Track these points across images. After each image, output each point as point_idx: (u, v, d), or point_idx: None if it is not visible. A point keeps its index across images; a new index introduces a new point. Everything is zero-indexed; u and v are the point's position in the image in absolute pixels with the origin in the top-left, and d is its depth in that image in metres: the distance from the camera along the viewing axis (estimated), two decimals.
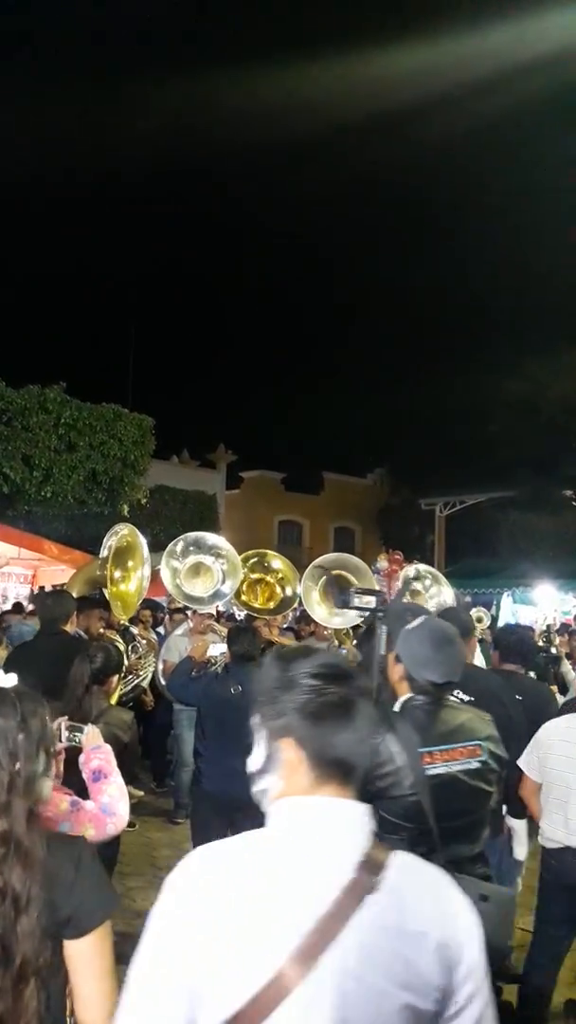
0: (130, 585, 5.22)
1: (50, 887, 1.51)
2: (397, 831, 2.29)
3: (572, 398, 20.71)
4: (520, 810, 3.59)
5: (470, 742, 2.43)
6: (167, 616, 8.41)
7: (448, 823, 2.30)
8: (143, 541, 5.39)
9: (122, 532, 5.18)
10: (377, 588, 4.88)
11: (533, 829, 3.61)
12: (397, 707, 2.50)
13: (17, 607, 9.62)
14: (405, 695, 2.49)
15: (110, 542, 5.10)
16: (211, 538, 4.94)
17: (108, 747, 2.71)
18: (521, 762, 3.45)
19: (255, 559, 5.05)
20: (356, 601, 3.79)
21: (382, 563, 6.51)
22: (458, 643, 2.53)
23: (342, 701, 1.32)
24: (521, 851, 3.62)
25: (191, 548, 4.92)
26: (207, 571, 4.87)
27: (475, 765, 2.41)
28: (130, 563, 5.26)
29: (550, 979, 3.41)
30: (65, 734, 2.62)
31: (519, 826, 3.60)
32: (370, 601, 3.56)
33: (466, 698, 3.45)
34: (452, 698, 2.55)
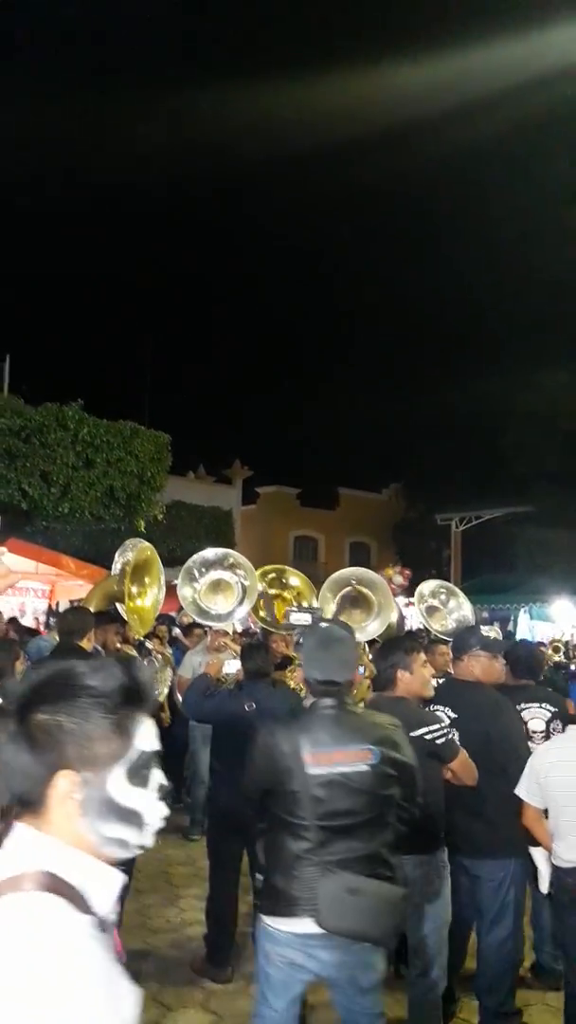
0: (147, 600, 5.26)
1: None
2: (286, 826, 2.51)
3: None
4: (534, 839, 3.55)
5: (361, 746, 2.54)
6: (180, 632, 8.43)
7: (334, 821, 2.47)
8: (158, 557, 5.44)
9: (139, 547, 5.21)
10: (315, 606, 4.94)
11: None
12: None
13: (31, 631, 9.66)
14: (310, 700, 2.69)
15: (123, 557, 5.14)
16: (219, 552, 4.97)
17: None
18: (519, 791, 3.43)
19: (273, 575, 5.06)
20: (293, 618, 3.85)
21: (397, 579, 6.50)
22: (346, 646, 2.67)
23: None
24: (544, 883, 3.56)
25: (203, 568, 4.95)
26: (227, 587, 4.89)
27: (363, 768, 2.52)
28: (147, 579, 5.30)
29: None
30: None
31: (539, 856, 3.54)
32: (305, 618, 3.66)
33: (452, 715, 3.55)
34: (337, 700, 2.63)
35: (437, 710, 3.61)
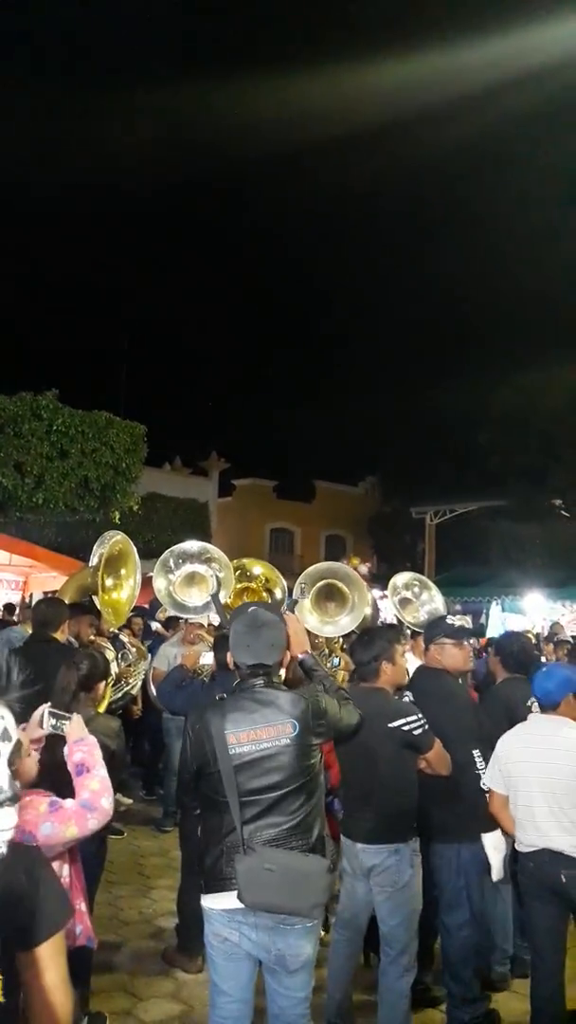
0: (122, 593, 5.23)
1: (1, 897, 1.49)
2: (214, 805, 2.60)
3: (561, 409, 20.83)
4: (482, 824, 3.58)
5: (280, 720, 2.61)
6: (160, 626, 8.41)
7: (258, 796, 2.56)
8: (135, 550, 5.40)
9: (115, 539, 5.19)
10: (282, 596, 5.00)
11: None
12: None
13: (8, 608, 9.63)
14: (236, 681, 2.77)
15: (101, 550, 5.11)
16: (196, 545, 4.95)
17: (92, 739, 2.72)
18: (486, 779, 3.52)
19: (237, 570, 5.07)
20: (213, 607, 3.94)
21: (362, 568, 6.55)
22: (274, 629, 2.71)
23: None
24: (495, 871, 3.61)
25: (181, 560, 4.93)
26: (202, 580, 4.88)
27: (285, 742, 2.59)
28: (122, 571, 5.27)
29: (557, 989, 3.40)
30: (50, 721, 2.60)
31: (487, 842, 3.58)
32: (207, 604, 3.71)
33: (409, 698, 3.65)
34: (264, 680, 2.69)
35: (404, 697, 3.69)
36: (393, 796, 3.35)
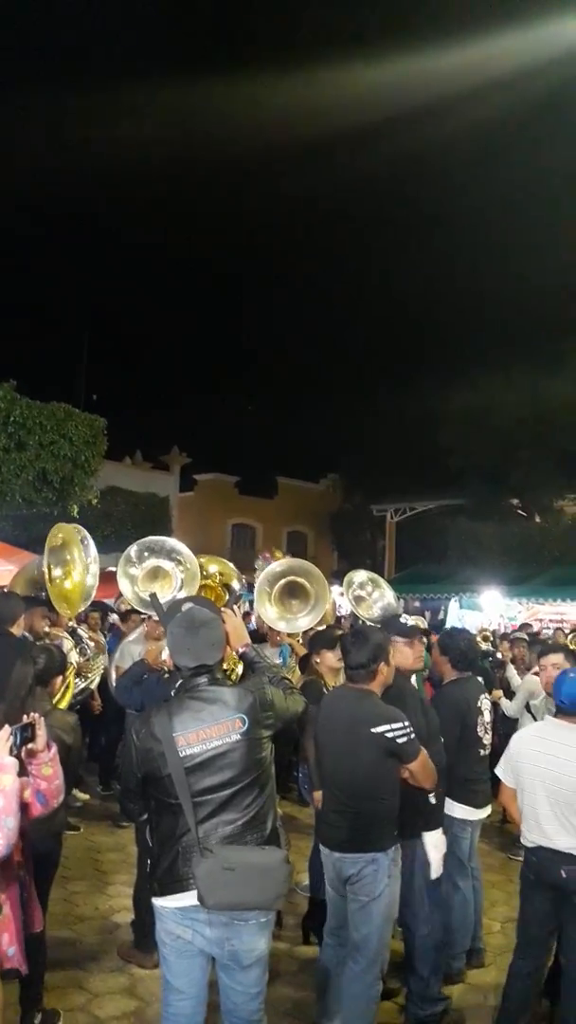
0: (71, 582, 5.15)
1: None
2: (166, 808, 2.58)
3: (520, 410, 21.15)
4: (432, 821, 3.64)
5: (228, 717, 2.60)
6: (119, 619, 8.34)
7: (211, 795, 2.54)
8: (81, 536, 5.30)
9: (57, 529, 5.12)
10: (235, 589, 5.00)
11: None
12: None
13: None
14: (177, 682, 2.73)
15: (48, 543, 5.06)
16: (169, 542, 4.90)
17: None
18: (498, 770, 3.59)
19: None
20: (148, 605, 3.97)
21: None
22: (212, 627, 2.69)
23: None
24: (434, 870, 3.65)
25: (146, 553, 4.87)
26: (165, 575, 4.82)
27: (236, 737, 2.59)
28: (68, 559, 5.18)
29: (533, 977, 3.48)
30: (15, 740, 2.49)
31: (427, 841, 3.62)
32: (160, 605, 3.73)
33: None
34: (208, 679, 2.67)
35: None
36: (372, 804, 3.26)
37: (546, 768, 3.34)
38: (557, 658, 4.63)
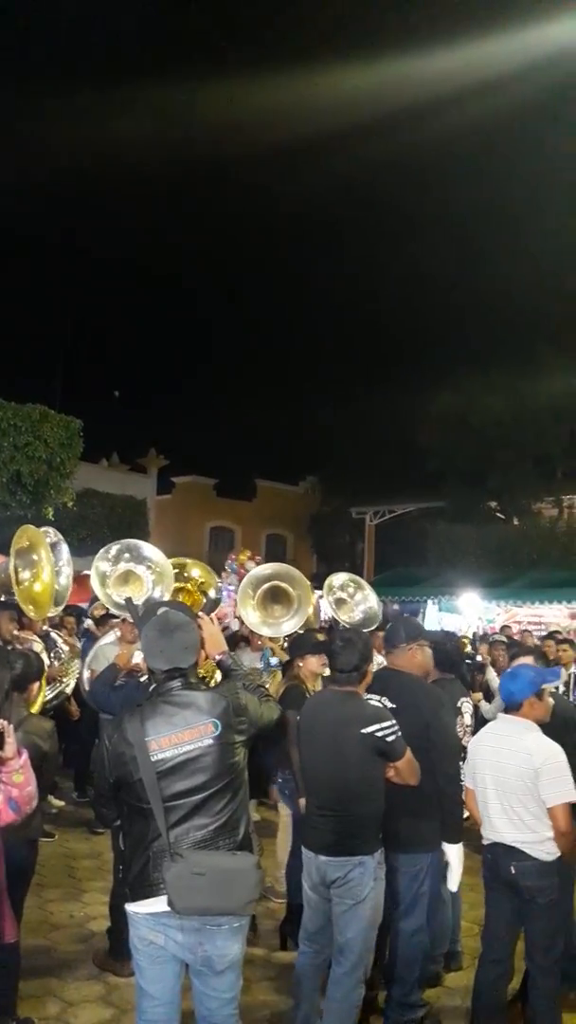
0: (39, 584, 5.08)
1: None
2: (138, 812, 2.56)
3: (499, 413, 21.29)
4: (452, 835, 3.64)
5: (201, 721, 2.59)
6: (93, 623, 8.26)
7: (182, 800, 2.53)
8: (48, 538, 5.23)
9: (22, 531, 5.06)
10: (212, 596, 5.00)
11: None
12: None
13: None
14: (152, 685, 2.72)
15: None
16: (147, 549, 4.85)
17: None
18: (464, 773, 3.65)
19: (176, 569, 5.01)
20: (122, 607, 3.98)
21: (249, 565, 6.53)
22: (187, 630, 2.68)
23: None
24: (453, 881, 3.70)
25: (125, 555, 4.83)
26: (137, 580, 4.77)
27: (208, 741, 2.58)
28: (36, 560, 5.11)
29: (499, 978, 3.51)
30: None
31: (452, 852, 3.64)
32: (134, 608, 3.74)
33: (391, 705, 3.54)
34: (181, 683, 2.66)
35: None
36: (360, 805, 3.26)
37: (492, 761, 3.43)
38: (527, 660, 4.68)
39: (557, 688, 6.14)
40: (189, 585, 4.88)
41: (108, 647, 6.22)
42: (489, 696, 6.95)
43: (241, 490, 27.64)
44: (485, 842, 3.50)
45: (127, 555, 4.78)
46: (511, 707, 3.51)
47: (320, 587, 6.20)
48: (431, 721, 3.56)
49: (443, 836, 3.63)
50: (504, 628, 12.48)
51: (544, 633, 10.97)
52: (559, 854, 3.32)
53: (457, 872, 3.67)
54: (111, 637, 6.30)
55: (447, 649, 4.45)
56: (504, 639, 9.38)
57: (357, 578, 6.05)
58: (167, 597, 4.75)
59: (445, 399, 22.16)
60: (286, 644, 6.06)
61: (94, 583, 4.57)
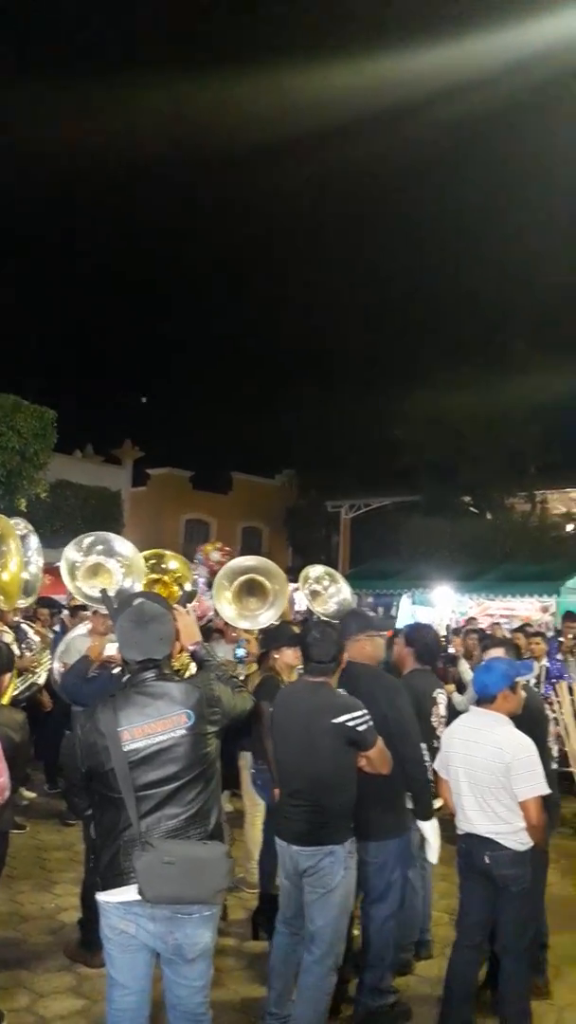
0: (6, 575, 5.02)
1: None
2: (110, 802, 2.56)
3: (473, 409, 21.45)
4: (424, 813, 3.73)
5: (174, 711, 2.60)
6: (68, 614, 8.20)
7: (154, 790, 2.54)
8: (17, 528, 5.16)
9: None
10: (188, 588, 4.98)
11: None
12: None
13: None
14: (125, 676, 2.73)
15: None
16: (121, 544, 4.81)
17: None
18: (435, 764, 3.68)
19: (153, 560, 4.98)
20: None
21: (215, 555, 6.52)
22: (162, 622, 2.69)
23: None
24: (433, 854, 3.80)
25: (98, 547, 4.79)
26: (106, 573, 4.73)
27: (181, 732, 2.59)
28: (4, 550, 5.05)
29: (472, 965, 3.55)
30: None
31: (427, 828, 3.75)
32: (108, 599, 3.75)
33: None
34: (155, 674, 2.66)
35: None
36: (332, 795, 3.29)
37: (465, 754, 3.46)
38: (499, 652, 4.73)
39: (528, 681, 6.21)
40: (166, 577, 4.86)
41: (79, 639, 6.18)
42: (461, 688, 7.01)
43: (217, 483, 27.56)
44: (459, 832, 3.54)
45: (100, 547, 4.75)
46: (484, 699, 3.54)
47: (296, 580, 6.21)
48: (387, 711, 3.59)
49: (416, 815, 3.71)
50: (470, 620, 12.59)
51: (515, 626, 11.08)
52: (532, 844, 3.38)
53: (435, 846, 3.74)
54: (82, 629, 6.26)
55: (426, 641, 4.46)
56: (476, 631, 9.46)
57: (332, 571, 6.07)
58: (140, 580, 4.73)
59: (420, 395, 22.26)
60: (260, 636, 6.07)
61: (63, 572, 4.53)
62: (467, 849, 3.48)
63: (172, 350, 37.72)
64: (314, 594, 5.80)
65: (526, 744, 3.40)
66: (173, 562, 5.09)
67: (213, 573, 5.80)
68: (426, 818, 3.73)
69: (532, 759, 3.36)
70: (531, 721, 3.73)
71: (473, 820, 3.42)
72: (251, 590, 5.52)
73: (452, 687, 7.02)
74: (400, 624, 12.73)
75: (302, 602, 6.96)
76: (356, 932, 4.19)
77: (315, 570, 6.00)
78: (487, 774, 3.36)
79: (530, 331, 21.66)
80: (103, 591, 4.04)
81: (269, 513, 28.17)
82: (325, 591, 5.85)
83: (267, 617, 5.39)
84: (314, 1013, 3.30)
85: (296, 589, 7.72)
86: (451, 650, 8.62)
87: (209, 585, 6.34)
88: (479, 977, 3.68)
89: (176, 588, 5.02)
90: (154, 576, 5.05)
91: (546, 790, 3.37)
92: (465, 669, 7.44)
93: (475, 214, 22.35)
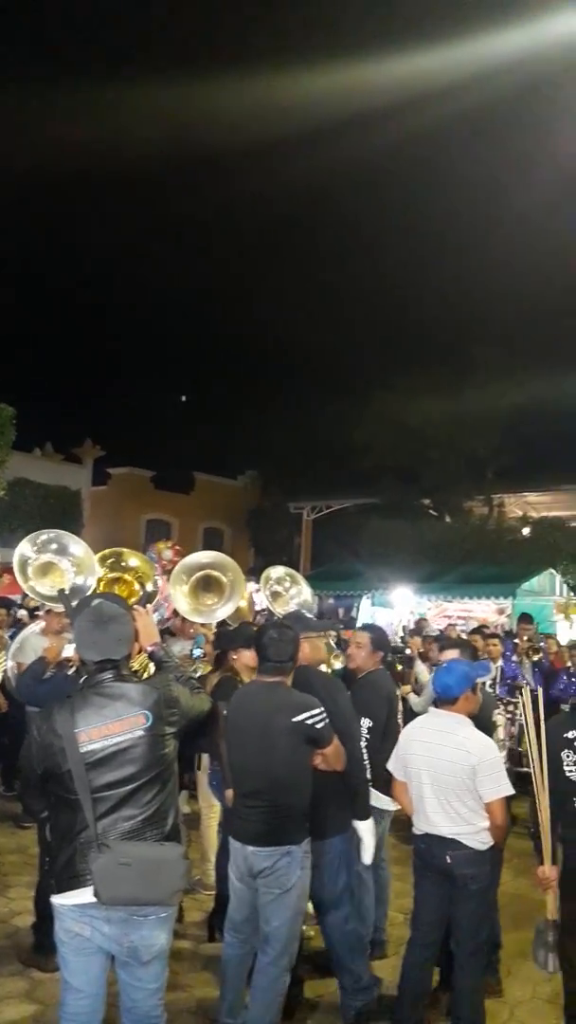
0: None
1: None
2: (66, 804, 2.55)
3: (433, 413, 21.71)
4: (361, 813, 3.73)
5: (132, 713, 2.60)
6: (26, 614, 8.11)
7: (110, 791, 2.53)
8: None
9: None
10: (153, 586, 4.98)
11: None
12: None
13: None
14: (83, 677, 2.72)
15: None
16: (75, 546, 4.76)
17: None
18: (389, 765, 3.68)
19: (112, 559, 4.94)
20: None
21: (167, 553, 6.53)
22: (121, 622, 2.69)
23: None
24: (367, 854, 3.77)
25: (52, 545, 4.73)
26: (56, 572, 4.68)
27: (139, 733, 2.59)
28: None
29: (426, 963, 3.58)
30: None
31: (363, 828, 3.73)
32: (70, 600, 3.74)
33: None
34: (113, 675, 2.67)
35: None
36: (289, 795, 3.29)
37: (426, 756, 3.47)
38: (454, 653, 4.79)
39: (484, 683, 6.31)
40: (127, 575, 4.82)
41: (33, 638, 6.11)
42: (418, 689, 7.08)
43: (179, 483, 27.41)
44: (418, 832, 3.54)
45: (54, 546, 4.70)
46: (445, 701, 3.55)
47: (256, 580, 6.22)
48: (329, 708, 3.58)
49: (354, 815, 3.70)
50: (419, 622, 12.70)
51: (472, 628, 11.23)
52: (492, 843, 3.42)
53: (370, 847, 3.73)
54: (36, 628, 6.19)
55: (385, 641, 4.56)
56: (435, 632, 9.58)
57: (293, 572, 6.10)
58: (93, 578, 4.70)
59: (382, 399, 22.47)
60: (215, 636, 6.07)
61: (15, 568, 4.48)
62: (426, 848, 3.49)
63: (134, 349, 37.44)
64: (275, 595, 5.81)
65: (490, 745, 3.44)
66: (133, 559, 5.06)
67: (166, 572, 5.77)
68: (363, 818, 3.73)
69: (496, 761, 3.41)
70: (485, 721, 3.80)
71: (435, 822, 3.42)
72: (207, 586, 5.51)
73: (408, 688, 7.09)
74: (359, 624, 12.83)
75: (262, 602, 6.97)
76: (312, 933, 4.22)
77: (276, 571, 6.01)
78: (451, 776, 3.37)
79: (492, 339, 22.02)
80: (60, 591, 4.00)
81: (231, 514, 28.12)
82: (286, 592, 5.87)
83: (224, 611, 5.39)
84: (268, 1014, 3.30)
85: (257, 590, 7.73)
86: (407, 651, 8.70)
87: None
88: (433, 980, 3.72)
89: (137, 588, 4.99)
90: (114, 575, 5.01)
91: (511, 790, 3.41)
92: (422, 670, 7.51)
93: (440, 224, 22.66)
